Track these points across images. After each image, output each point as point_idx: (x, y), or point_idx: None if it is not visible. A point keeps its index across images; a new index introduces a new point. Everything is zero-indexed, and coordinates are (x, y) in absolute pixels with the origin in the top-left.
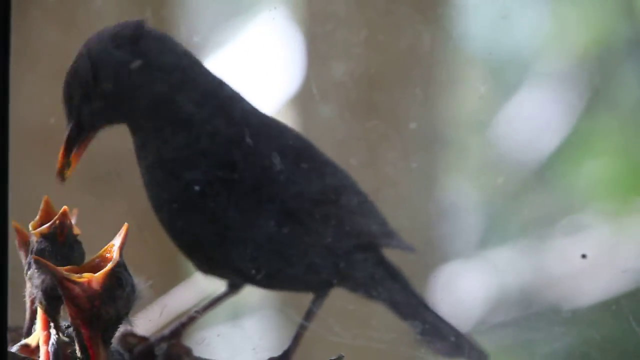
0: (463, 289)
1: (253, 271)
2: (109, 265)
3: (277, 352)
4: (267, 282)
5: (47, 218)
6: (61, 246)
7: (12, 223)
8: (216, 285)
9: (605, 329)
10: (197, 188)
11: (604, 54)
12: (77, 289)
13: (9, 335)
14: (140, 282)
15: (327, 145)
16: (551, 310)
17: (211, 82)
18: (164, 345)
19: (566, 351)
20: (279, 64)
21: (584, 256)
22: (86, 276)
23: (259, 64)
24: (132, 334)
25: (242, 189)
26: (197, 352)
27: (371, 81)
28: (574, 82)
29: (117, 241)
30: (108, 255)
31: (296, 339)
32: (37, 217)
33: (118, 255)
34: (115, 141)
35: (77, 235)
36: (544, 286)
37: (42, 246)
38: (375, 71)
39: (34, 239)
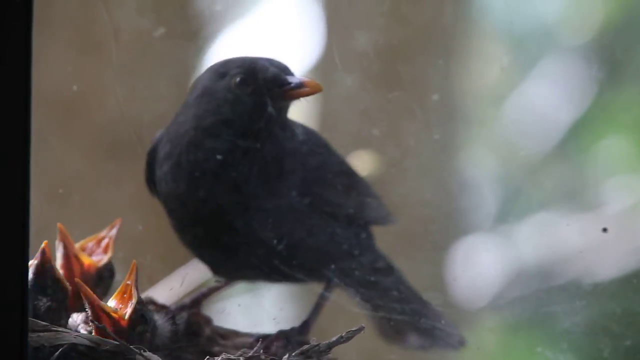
0: (483, 262)
1: (275, 241)
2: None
3: (297, 323)
4: (288, 253)
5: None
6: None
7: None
8: None
9: (626, 303)
10: (219, 157)
11: (626, 26)
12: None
13: None
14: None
15: (349, 115)
16: (572, 284)
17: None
18: (184, 315)
19: (586, 324)
20: (301, 34)
21: (604, 230)
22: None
23: (282, 33)
24: (152, 302)
25: (264, 159)
26: (217, 322)
27: (394, 52)
28: (596, 54)
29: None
30: (125, 295)
31: (316, 310)
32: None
33: (135, 293)
34: (135, 107)
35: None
36: (565, 260)
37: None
38: (398, 42)
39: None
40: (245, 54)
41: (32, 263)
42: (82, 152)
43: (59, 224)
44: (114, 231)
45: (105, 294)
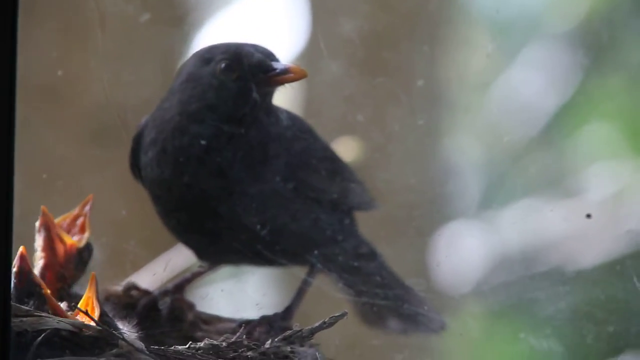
0: (466, 248)
1: (258, 226)
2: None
3: (280, 309)
4: (271, 238)
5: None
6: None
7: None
8: None
9: (610, 289)
10: (203, 142)
11: (611, 14)
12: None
13: None
14: None
15: (334, 101)
16: (555, 270)
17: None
18: (167, 300)
19: (570, 310)
20: (287, 20)
21: (588, 216)
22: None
23: (267, 19)
24: (135, 287)
25: (249, 144)
26: (200, 307)
27: (379, 38)
28: (580, 42)
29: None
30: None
31: (299, 295)
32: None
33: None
34: (120, 93)
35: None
36: (549, 246)
37: None
38: (382, 28)
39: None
40: (231, 40)
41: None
42: (67, 137)
43: (42, 207)
44: (87, 208)
45: (83, 272)
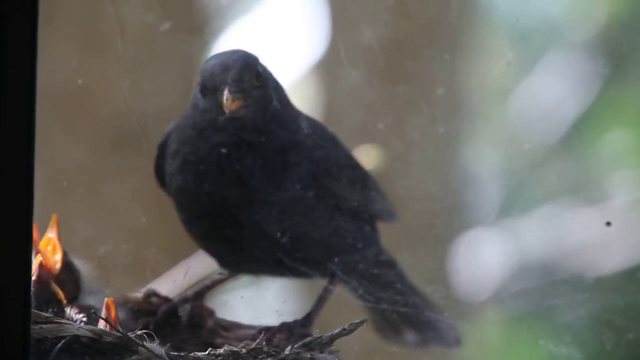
0: (486, 256)
1: (278, 234)
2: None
3: (300, 315)
4: (292, 245)
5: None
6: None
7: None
8: None
9: (629, 296)
10: (224, 150)
11: (631, 21)
12: None
13: None
14: None
15: (355, 109)
16: (575, 277)
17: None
18: (187, 307)
19: (590, 317)
20: (307, 28)
21: (608, 224)
22: None
23: (287, 27)
24: (155, 294)
25: (269, 152)
26: (220, 314)
27: (399, 47)
28: (601, 50)
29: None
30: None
31: (320, 303)
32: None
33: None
34: (140, 101)
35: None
36: (568, 253)
37: None
38: (403, 37)
39: None
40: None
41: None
42: (87, 145)
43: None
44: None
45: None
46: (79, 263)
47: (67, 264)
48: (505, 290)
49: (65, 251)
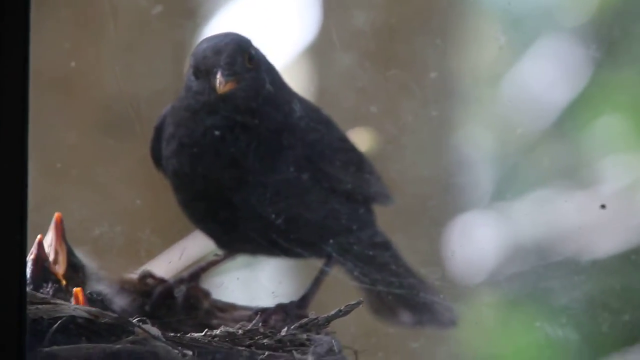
0: (481, 238)
1: (273, 215)
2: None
3: (296, 297)
4: (286, 227)
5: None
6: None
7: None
8: None
9: (625, 279)
10: (217, 133)
11: (624, 6)
12: None
13: None
14: None
15: (347, 93)
16: (570, 260)
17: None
18: (183, 288)
19: (586, 299)
20: (299, 12)
21: (603, 206)
22: None
23: (280, 10)
24: (151, 276)
25: (263, 135)
26: (216, 295)
27: (392, 30)
28: (593, 34)
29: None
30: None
31: (316, 284)
32: None
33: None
34: (133, 84)
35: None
36: (563, 236)
37: None
38: (395, 20)
39: None
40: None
41: (29, 258)
42: (80, 127)
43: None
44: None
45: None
46: (80, 254)
47: (71, 265)
48: (500, 273)
49: (69, 249)
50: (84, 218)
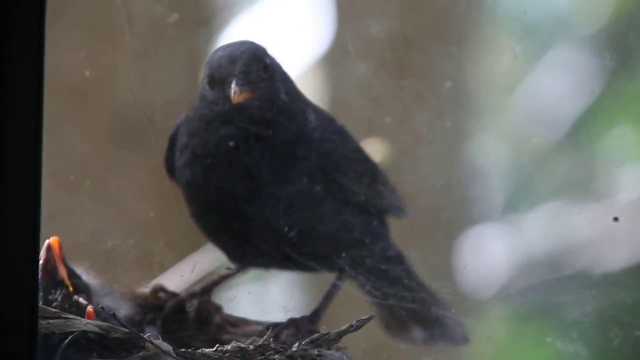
0: (493, 251)
1: (286, 228)
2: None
3: (307, 311)
4: (299, 239)
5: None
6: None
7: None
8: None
9: (636, 292)
10: (231, 143)
11: (638, 14)
12: None
13: None
14: None
15: (362, 103)
16: (582, 274)
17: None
18: (194, 302)
19: (597, 314)
20: (314, 21)
21: (616, 219)
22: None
23: (294, 19)
24: (163, 290)
25: (277, 145)
26: (227, 310)
27: (407, 39)
28: (607, 43)
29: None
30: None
31: (327, 299)
32: None
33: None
34: (148, 93)
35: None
36: (575, 249)
37: None
38: (411, 29)
39: None
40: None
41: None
42: (95, 137)
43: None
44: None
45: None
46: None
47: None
48: (512, 286)
49: (70, 271)
50: (97, 230)
